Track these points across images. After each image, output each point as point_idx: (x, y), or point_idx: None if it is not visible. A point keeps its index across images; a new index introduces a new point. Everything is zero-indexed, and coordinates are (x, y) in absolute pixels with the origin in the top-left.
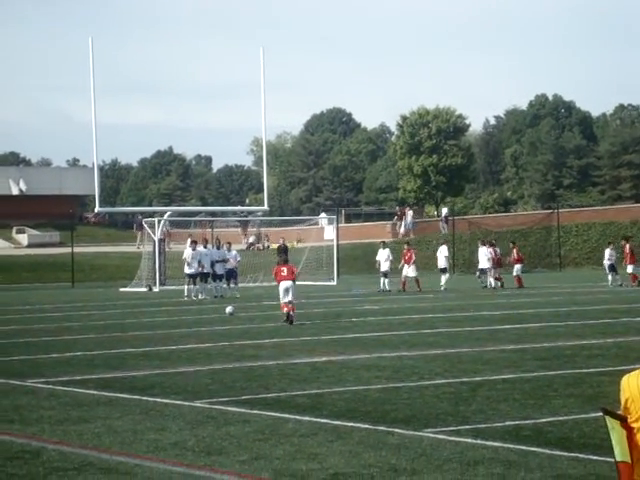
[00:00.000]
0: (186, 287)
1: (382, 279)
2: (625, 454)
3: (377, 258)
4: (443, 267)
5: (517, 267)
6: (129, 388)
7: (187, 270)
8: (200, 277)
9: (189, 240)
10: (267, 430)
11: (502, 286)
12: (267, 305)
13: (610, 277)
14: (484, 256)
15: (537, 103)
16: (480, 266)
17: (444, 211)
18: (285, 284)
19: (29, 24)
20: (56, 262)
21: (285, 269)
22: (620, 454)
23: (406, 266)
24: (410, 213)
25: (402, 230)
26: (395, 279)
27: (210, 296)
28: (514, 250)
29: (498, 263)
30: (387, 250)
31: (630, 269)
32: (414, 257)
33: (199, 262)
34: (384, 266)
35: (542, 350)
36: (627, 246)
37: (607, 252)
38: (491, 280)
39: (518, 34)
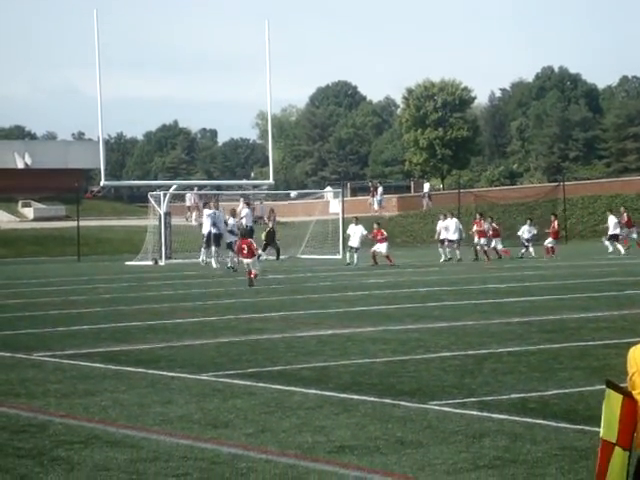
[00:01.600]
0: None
1: (350, 253)
2: (612, 434)
3: (348, 232)
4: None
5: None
6: (135, 361)
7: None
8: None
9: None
10: (273, 403)
11: (488, 259)
12: (272, 279)
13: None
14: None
15: (543, 75)
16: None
17: (426, 187)
18: (246, 261)
19: None
20: (62, 236)
21: (246, 247)
22: (606, 432)
23: (378, 244)
24: (380, 189)
25: (375, 207)
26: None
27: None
28: (554, 222)
29: (496, 234)
30: (360, 226)
31: (550, 242)
32: (385, 234)
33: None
34: (354, 241)
35: (548, 323)
36: (555, 222)
37: (525, 228)
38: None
39: (524, 6)
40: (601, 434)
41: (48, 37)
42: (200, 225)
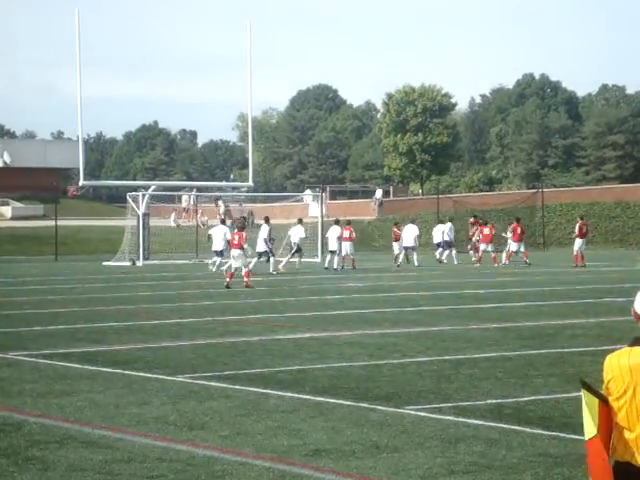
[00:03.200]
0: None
1: (330, 256)
2: (592, 430)
3: (327, 235)
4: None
5: (578, 242)
6: (112, 362)
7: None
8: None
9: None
10: (249, 405)
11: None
12: (252, 281)
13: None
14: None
15: (523, 82)
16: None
17: (378, 193)
18: (234, 252)
19: None
20: (40, 235)
21: (236, 237)
22: (589, 431)
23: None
24: (378, 193)
25: (376, 210)
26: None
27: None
28: (515, 226)
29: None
30: (338, 227)
31: (514, 247)
32: (352, 235)
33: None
34: (332, 245)
35: (525, 329)
36: (518, 227)
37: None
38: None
39: (505, 12)
40: (586, 436)
41: (27, 35)
42: (205, 226)
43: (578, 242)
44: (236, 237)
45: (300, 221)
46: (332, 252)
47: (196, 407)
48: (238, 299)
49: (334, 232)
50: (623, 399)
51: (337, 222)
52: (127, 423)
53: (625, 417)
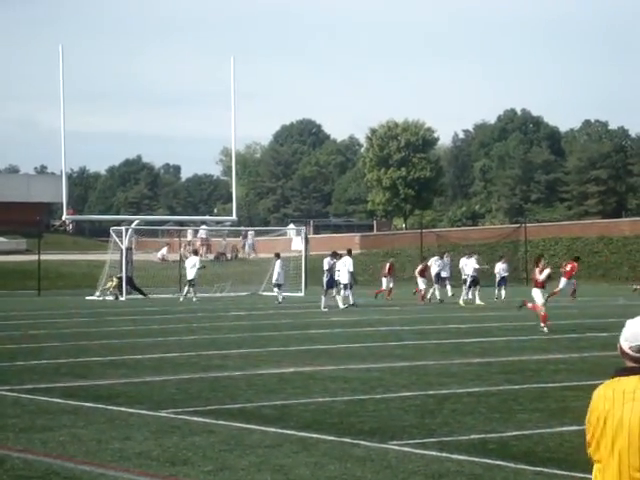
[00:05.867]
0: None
1: (343, 292)
2: None
3: (337, 269)
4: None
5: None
6: (94, 397)
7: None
8: None
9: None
10: (232, 441)
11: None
12: (234, 315)
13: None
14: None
15: (505, 117)
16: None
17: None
18: None
19: None
20: (22, 270)
21: None
22: None
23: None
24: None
25: None
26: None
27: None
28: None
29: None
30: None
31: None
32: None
33: None
34: (344, 277)
35: (508, 364)
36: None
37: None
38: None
39: (487, 49)
40: None
41: (10, 69)
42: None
43: (563, 282)
44: None
45: (349, 252)
46: (345, 286)
47: (179, 442)
48: (221, 333)
49: (345, 263)
50: (598, 429)
51: (349, 253)
52: (109, 458)
53: (596, 449)
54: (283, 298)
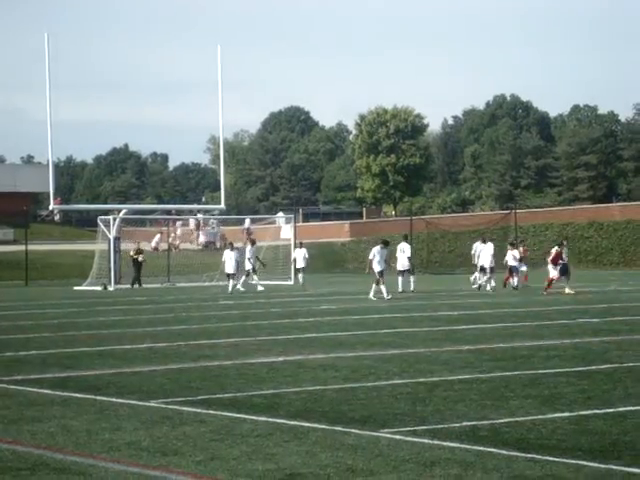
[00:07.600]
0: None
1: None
2: None
3: (370, 257)
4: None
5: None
6: (84, 387)
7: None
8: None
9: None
10: (223, 430)
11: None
12: (223, 305)
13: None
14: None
15: (495, 103)
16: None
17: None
18: None
19: None
20: (9, 260)
21: None
22: None
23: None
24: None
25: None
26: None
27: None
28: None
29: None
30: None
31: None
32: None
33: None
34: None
35: (499, 351)
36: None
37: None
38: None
39: (476, 34)
40: None
41: None
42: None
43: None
44: None
45: (386, 243)
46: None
47: (169, 432)
48: (210, 323)
49: (382, 253)
50: None
51: (386, 243)
52: (100, 449)
53: None
54: (235, 288)
